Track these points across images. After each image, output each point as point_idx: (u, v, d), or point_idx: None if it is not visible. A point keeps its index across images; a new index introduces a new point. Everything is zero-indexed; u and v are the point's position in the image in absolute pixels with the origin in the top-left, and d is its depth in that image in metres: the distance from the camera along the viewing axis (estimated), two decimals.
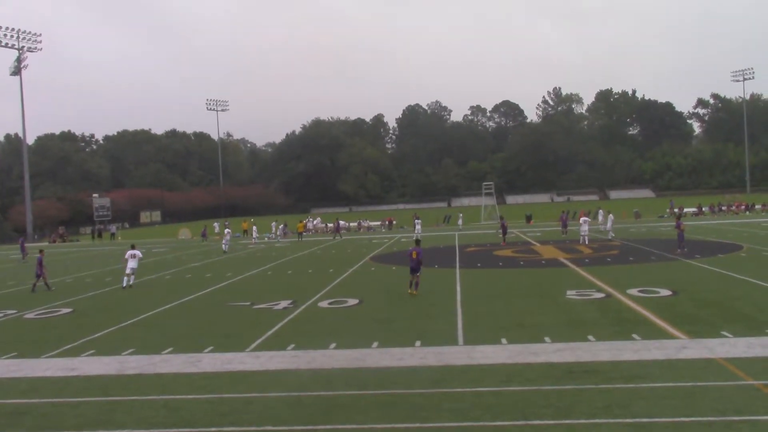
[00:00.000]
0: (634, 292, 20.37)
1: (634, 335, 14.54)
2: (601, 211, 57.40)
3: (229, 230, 50.29)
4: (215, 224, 75.56)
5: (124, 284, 27.62)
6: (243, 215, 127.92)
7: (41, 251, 30.15)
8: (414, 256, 22.06)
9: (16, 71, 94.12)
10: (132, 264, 28.15)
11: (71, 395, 12.01)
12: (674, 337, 14.31)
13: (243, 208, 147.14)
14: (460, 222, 65.12)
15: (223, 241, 47.92)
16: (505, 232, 42.45)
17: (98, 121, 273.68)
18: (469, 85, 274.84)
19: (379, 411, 10.26)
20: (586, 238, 39.69)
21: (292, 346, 15.02)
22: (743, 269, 24.59)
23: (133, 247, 30.07)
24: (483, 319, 17.34)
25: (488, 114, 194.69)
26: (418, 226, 53.78)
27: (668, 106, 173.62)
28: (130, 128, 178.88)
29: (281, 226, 62.33)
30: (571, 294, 20.58)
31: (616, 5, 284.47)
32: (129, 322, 19.36)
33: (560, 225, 49.59)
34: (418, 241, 24.31)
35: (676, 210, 70.04)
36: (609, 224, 45.22)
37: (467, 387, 11.33)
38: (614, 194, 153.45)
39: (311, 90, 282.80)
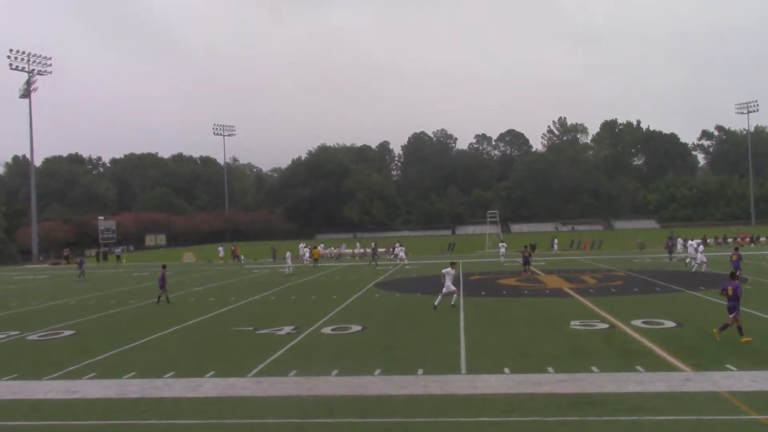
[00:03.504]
0: (638, 323, 20.27)
1: (638, 367, 14.45)
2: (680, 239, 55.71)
3: (290, 253, 50.05)
4: (220, 248, 75.58)
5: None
6: (247, 240, 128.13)
7: (164, 266, 32.04)
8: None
9: (26, 94, 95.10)
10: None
11: (72, 418, 11.98)
12: (678, 369, 14.22)
13: (248, 232, 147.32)
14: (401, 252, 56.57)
15: (288, 264, 47.84)
16: (526, 263, 41.62)
17: (106, 144, 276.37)
18: (474, 113, 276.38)
19: None
20: (701, 265, 37.98)
21: (294, 372, 14.97)
22: (748, 302, 24.41)
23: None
24: (486, 348, 17.26)
25: (494, 142, 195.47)
26: (402, 253, 55.33)
27: (673, 137, 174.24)
28: (137, 151, 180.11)
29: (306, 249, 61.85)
30: (575, 324, 20.49)
31: (622, 34, 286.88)
32: (131, 345, 19.32)
33: (666, 250, 50.05)
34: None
35: (736, 238, 72.77)
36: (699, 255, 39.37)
37: (469, 417, 11.26)
38: (619, 224, 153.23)
39: (318, 116, 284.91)
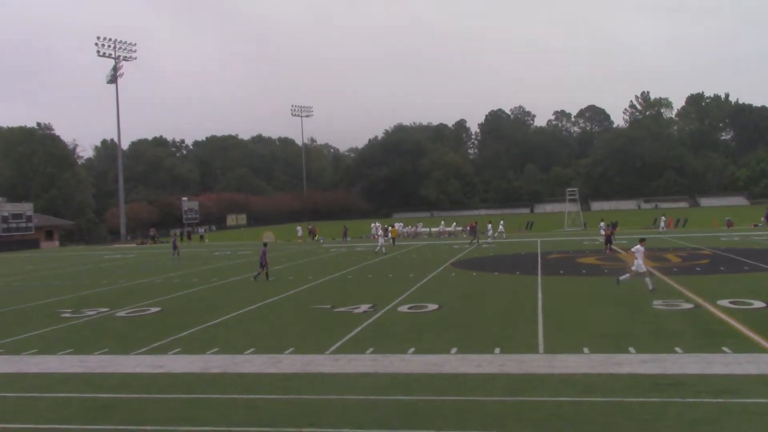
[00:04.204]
0: (725, 303, 19.56)
1: (725, 348, 13.95)
2: None
3: (381, 231, 50.44)
4: (298, 228, 76.76)
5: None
6: (326, 219, 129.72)
7: (265, 244, 33.34)
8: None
9: (113, 80, 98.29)
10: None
11: (158, 392, 12.41)
12: None
13: (325, 212, 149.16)
14: (489, 232, 55.71)
15: (380, 242, 48.43)
16: (609, 241, 40.64)
17: (188, 127, 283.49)
18: (553, 89, 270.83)
19: (457, 417, 10.19)
20: None
21: (371, 350, 15.09)
22: None
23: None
24: (565, 327, 16.99)
25: (573, 119, 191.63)
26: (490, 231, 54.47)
27: (764, 110, 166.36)
28: (218, 134, 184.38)
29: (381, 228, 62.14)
30: (657, 304, 19.93)
31: (712, 3, 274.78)
32: (213, 322, 19.87)
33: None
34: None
35: None
36: None
37: (547, 396, 11.12)
38: (705, 201, 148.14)
39: (394, 96, 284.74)
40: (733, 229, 60.88)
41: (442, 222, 78.89)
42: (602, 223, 52.70)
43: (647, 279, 22.49)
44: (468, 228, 72.87)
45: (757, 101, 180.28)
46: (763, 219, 69.92)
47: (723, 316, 17.69)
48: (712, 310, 18.64)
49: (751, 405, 10.29)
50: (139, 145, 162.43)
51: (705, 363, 12.83)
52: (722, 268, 29.18)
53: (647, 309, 19.25)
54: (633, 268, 22.67)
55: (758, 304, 19.34)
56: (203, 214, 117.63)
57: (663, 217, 65.16)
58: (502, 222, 63.30)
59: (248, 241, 75.13)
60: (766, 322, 16.68)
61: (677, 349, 14.05)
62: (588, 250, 42.41)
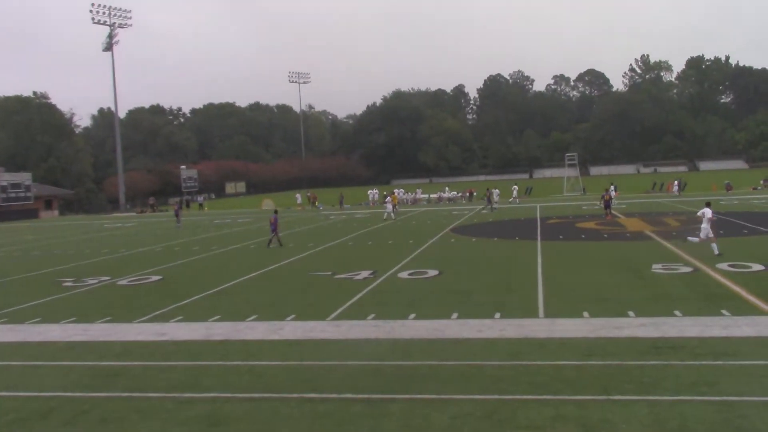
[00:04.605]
0: (723, 266, 19.64)
1: (724, 311, 14.04)
2: None
3: (389, 197, 50.44)
4: (297, 195, 76.75)
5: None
6: (324, 186, 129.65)
7: (276, 211, 33.47)
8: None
9: (108, 47, 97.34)
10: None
11: (161, 359, 12.51)
12: (766, 313, 13.75)
13: (324, 179, 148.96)
14: (496, 198, 54.71)
15: (388, 208, 48.03)
16: (608, 206, 40.53)
17: (185, 94, 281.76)
18: (552, 53, 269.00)
19: (458, 382, 10.29)
20: None
21: (372, 315, 15.19)
22: None
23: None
24: (564, 292, 17.09)
25: (572, 83, 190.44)
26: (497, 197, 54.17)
27: (764, 73, 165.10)
28: (216, 101, 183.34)
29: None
30: (656, 268, 20.02)
31: None
32: (215, 290, 19.95)
33: None
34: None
35: None
36: None
37: (547, 360, 11.22)
38: (704, 165, 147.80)
39: (392, 61, 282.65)
40: (733, 193, 60.89)
41: (447, 188, 78.87)
42: (612, 187, 52.55)
43: (713, 244, 21.88)
44: (467, 194, 73.11)
45: (758, 63, 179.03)
46: (762, 182, 69.99)
47: (722, 279, 17.77)
48: (711, 273, 18.73)
49: (749, 367, 10.39)
50: (136, 114, 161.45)
51: (704, 326, 12.92)
52: (721, 232, 29.18)
53: (646, 273, 19.33)
54: (701, 234, 22.28)
55: (757, 267, 19.42)
56: (202, 182, 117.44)
57: (676, 182, 65.21)
58: (515, 187, 63.42)
59: (248, 209, 75.16)
60: (765, 285, 16.77)
61: (676, 312, 14.14)
62: (587, 214, 42.48)
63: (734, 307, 14.40)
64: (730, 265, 19.72)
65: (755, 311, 14.00)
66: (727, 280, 17.50)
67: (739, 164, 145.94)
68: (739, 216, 36.56)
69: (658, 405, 8.93)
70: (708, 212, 22.23)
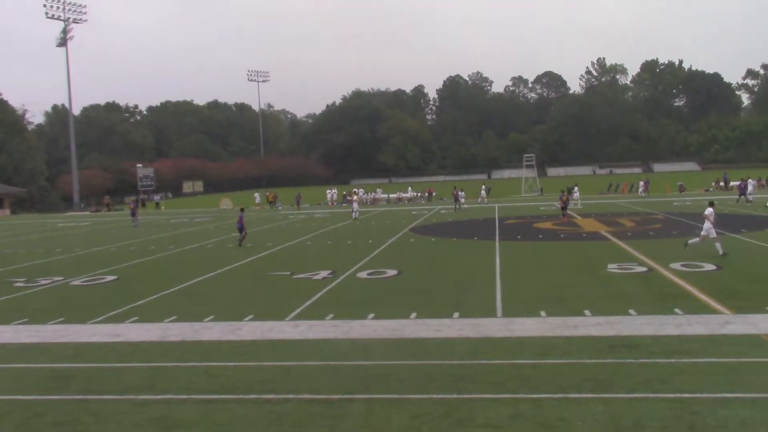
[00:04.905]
0: (677, 266, 20.03)
1: (677, 310, 14.31)
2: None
3: (356, 197, 50.54)
4: (256, 195, 76.21)
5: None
6: (284, 186, 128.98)
7: (242, 209, 33.77)
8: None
9: (62, 42, 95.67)
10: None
11: (116, 361, 12.29)
12: (718, 312, 14.05)
13: (283, 178, 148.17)
14: (462, 198, 54.47)
15: (355, 207, 48.31)
16: (565, 207, 41.05)
17: (142, 92, 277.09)
18: (510, 55, 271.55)
19: (416, 381, 10.30)
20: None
21: (331, 315, 15.13)
22: None
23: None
24: (522, 291, 17.24)
25: (530, 85, 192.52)
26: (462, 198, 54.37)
27: (716, 77, 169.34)
28: (173, 99, 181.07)
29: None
30: (612, 267, 20.33)
31: None
32: (171, 290, 19.68)
33: (738, 191, 49.66)
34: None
35: None
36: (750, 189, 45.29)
37: (505, 359, 11.30)
38: (658, 167, 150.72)
39: (352, 61, 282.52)
40: (685, 194, 62.16)
41: (410, 188, 79.23)
42: (575, 188, 53.88)
43: (717, 244, 21.89)
44: (426, 194, 73.45)
45: (710, 68, 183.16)
46: (713, 183, 71.65)
47: (675, 278, 18.12)
48: (665, 273, 19.08)
49: (701, 364, 10.60)
50: (91, 111, 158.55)
51: (658, 324, 13.15)
52: (674, 232, 29.81)
53: (602, 273, 19.62)
54: (703, 232, 22.22)
55: (709, 266, 19.84)
56: (159, 180, 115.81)
57: (642, 182, 66.31)
58: (484, 187, 63.96)
59: (205, 208, 74.40)
60: (716, 284, 17.14)
61: (631, 311, 14.37)
62: (545, 215, 42.97)
63: (687, 306, 14.69)
64: (683, 265, 20.11)
65: (707, 310, 14.29)
66: (680, 280, 17.84)
67: (691, 166, 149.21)
68: (692, 217, 37.30)
69: (614, 403, 9.05)
70: (711, 211, 22.12)
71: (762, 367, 10.33)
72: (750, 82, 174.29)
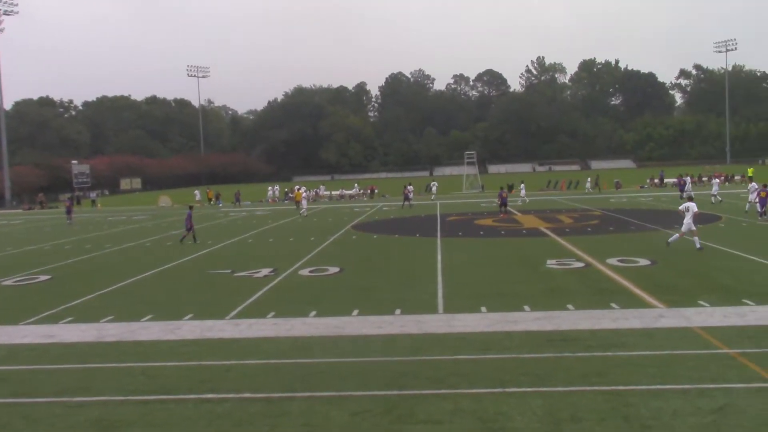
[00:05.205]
0: (613, 261, 20.51)
1: (613, 304, 14.65)
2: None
3: (305, 194, 50.37)
4: (196, 192, 75.14)
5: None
6: (224, 183, 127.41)
7: (191, 207, 33.02)
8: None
9: None
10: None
11: (49, 362, 11.95)
12: (652, 306, 14.44)
13: (224, 175, 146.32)
14: (410, 195, 54.23)
15: (303, 204, 48.08)
16: (503, 204, 41.42)
17: (77, 86, 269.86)
18: (452, 53, 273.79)
19: (358, 379, 10.29)
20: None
21: (272, 313, 15.01)
22: (721, 240, 24.83)
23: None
24: (463, 287, 17.40)
25: (471, 83, 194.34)
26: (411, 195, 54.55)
27: (651, 77, 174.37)
28: (110, 94, 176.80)
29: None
30: (551, 263, 20.69)
31: None
32: (108, 289, 19.23)
33: (678, 188, 50.26)
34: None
35: None
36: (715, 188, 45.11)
37: (446, 355, 11.38)
38: (595, 164, 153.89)
39: (293, 57, 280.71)
40: (622, 191, 63.70)
41: (356, 185, 79.33)
42: (521, 185, 54.88)
43: (695, 238, 22.21)
44: (368, 191, 73.56)
45: (645, 68, 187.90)
46: (648, 180, 73.59)
47: (611, 274, 18.54)
48: (602, 268, 19.51)
49: (635, 357, 10.87)
50: (23, 105, 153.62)
51: (595, 319, 13.44)
52: (611, 228, 30.53)
53: (541, 268, 19.94)
54: (683, 228, 22.35)
55: (643, 261, 20.38)
56: (95, 177, 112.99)
57: (589, 179, 67.22)
58: (434, 184, 64.18)
59: (144, 206, 72.93)
60: (651, 279, 17.62)
61: (569, 306, 14.65)
62: (486, 212, 43.46)
63: (623, 300, 15.06)
64: (619, 260, 20.60)
65: (642, 304, 14.67)
66: (617, 275, 18.27)
67: (627, 163, 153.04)
68: (627, 213, 38.28)
69: (552, 396, 9.21)
70: (693, 206, 22.36)
71: (693, 359, 10.65)
72: (683, 81, 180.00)
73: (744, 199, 38.81)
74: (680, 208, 23.14)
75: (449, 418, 8.61)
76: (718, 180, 47.91)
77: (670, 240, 22.87)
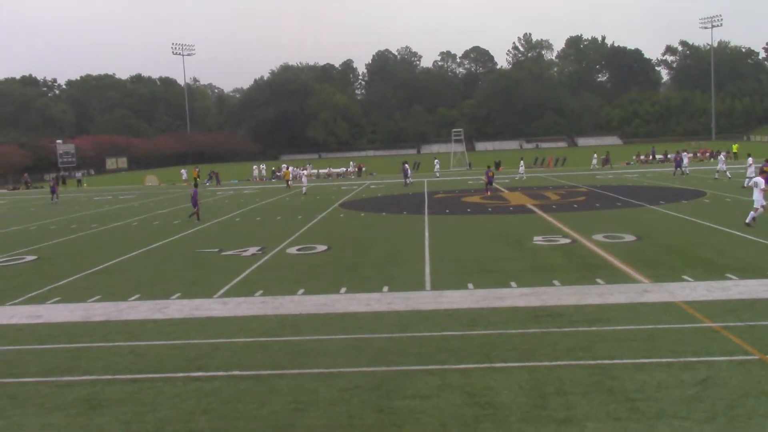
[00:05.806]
0: (599, 237, 20.65)
1: (598, 280, 14.78)
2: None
3: (305, 172, 50.62)
4: (183, 171, 74.77)
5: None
6: (211, 162, 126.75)
7: (196, 185, 34.14)
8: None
9: None
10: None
11: (37, 342, 11.94)
12: (637, 281, 14.58)
13: (210, 154, 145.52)
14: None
15: (304, 181, 48.76)
16: (490, 182, 41.44)
17: (61, 65, 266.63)
18: (439, 30, 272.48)
19: (346, 355, 10.37)
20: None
21: (261, 292, 15.05)
22: (706, 215, 25.03)
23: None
24: (450, 264, 17.48)
25: (458, 60, 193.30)
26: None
27: (637, 53, 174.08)
28: (94, 73, 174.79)
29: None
30: (537, 240, 20.81)
31: None
32: (95, 269, 19.19)
33: (674, 165, 50.60)
34: None
35: None
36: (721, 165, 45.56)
37: (433, 331, 11.47)
38: (582, 141, 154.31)
39: (279, 35, 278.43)
40: (609, 168, 63.88)
41: (351, 162, 79.17)
42: (521, 161, 55.20)
43: (751, 213, 21.76)
44: (356, 169, 73.49)
45: (631, 44, 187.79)
46: (634, 157, 73.77)
47: (597, 249, 18.68)
48: (588, 244, 19.64)
49: (620, 332, 11.00)
50: (5, 85, 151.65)
51: (580, 294, 13.56)
52: (597, 205, 30.67)
53: (528, 245, 20.06)
54: (756, 204, 21.82)
55: (629, 237, 20.54)
56: (80, 157, 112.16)
57: (595, 155, 67.05)
58: (437, 161, 64.10)
59: (130, 186, 72.53)
60: (636, 254, 17.76)
61: (555, 282, 14.76)
62: (473, 189, 43.54)
63: (608, 276, 15.19)
64: (605, 236, 20.75)
65: (627, 279, 14.80)
66: (602, 251, 18.41)
67: (614, 140, 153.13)
68: (614, 189, 38.44)
69: (538, 370, 9.32)
70: (761, 182, 21.98)
71: (677, 333, 10.79)
72: (669, 58, 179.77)
73: (742, 175, 38.93)
74: (749, 183, 22.58)
75: (437, 393, 8.70)
76: (723, 157, 48.12)
77: (747, 220, 21.82)
